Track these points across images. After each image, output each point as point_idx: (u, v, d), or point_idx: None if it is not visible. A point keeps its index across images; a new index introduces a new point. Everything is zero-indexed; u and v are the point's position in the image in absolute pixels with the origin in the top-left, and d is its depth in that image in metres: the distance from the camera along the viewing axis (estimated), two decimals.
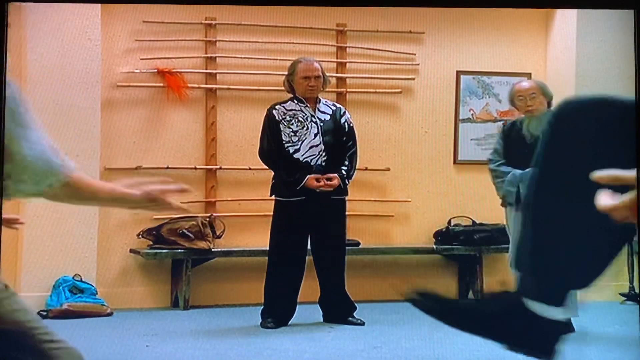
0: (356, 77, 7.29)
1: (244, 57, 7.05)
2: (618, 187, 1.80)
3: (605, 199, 1.81)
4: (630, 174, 1.77)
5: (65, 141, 6.25)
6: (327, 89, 6.18)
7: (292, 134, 5.84)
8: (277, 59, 6.95)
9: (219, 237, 6.77)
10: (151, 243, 6.66)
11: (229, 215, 6.94)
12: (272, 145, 5.87)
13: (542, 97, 5.62)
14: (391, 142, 7.00)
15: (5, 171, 2.06)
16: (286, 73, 5.99)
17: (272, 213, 5.94)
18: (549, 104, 5.65)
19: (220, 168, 6.99)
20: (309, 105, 5.91)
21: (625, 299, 6.88)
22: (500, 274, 7.36)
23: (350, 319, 5.91)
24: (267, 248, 5.94)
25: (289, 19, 7.09)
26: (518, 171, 5.58)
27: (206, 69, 6.99)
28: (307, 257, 5.89)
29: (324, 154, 5.85)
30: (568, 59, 7.26)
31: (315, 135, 5.85)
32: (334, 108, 6.02)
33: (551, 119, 2.56)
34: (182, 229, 6.57)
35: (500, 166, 5.68)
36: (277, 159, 5.87)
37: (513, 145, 5.66)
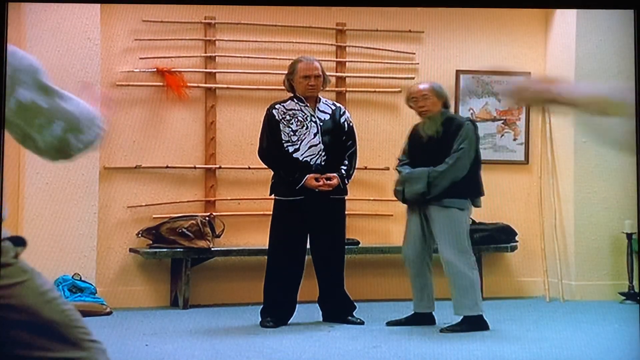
0: (356, 77, 7.28)
1: (244, 57, 7.04)
2: None
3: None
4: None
5: None
6: (326, 89, 6.18)
7: (292, 133, 5.84)
8: (276, 58, 6.95)
9: (218, 236, 6.77)
10: (151, 242, 6.66)
11: (229, 214, 6.94)
12: (271, 145, 5.86)
13: (434, 99, 5.79)
14: (391, 142, 6.99)
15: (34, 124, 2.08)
16: (286, 72, 5.99)
17: (271, 212, 5.94)
18: (445, 105, 5.75)
19: (220, 167, 6.99)
20: (308, 104, 5.90)
21: (624, 298, 6.89)
22: (501, 274, 7.37)
23: (349, 318, 5.91)
24: (267, 247, 5.94)
25: (288, 18, 7.09)
26: (406, 170, 5.69)
27: (205, 68, 6.99)
28: (306, 257, 5.89)
29: (323, 153, 5.85)
30: (567, 59, 7.26)
31: (315, 134, 5.85)
32: (333, 107, 6.02)
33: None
34: (181, 228, 6.57)
35: (402, 166, 5.91)
36: (276, 158, 5.87)
37: (414, 145, 5.88)
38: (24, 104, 2.07)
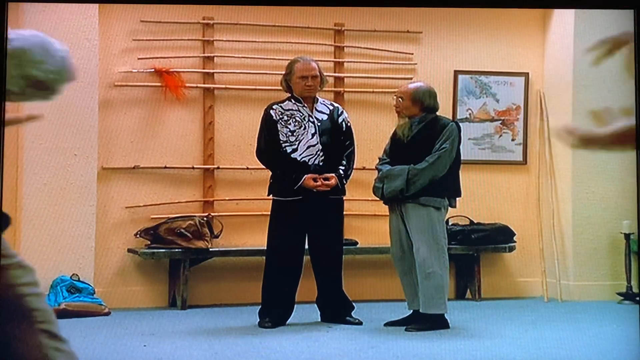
0: (354, 77, 7.29)
1: (242, 57, 7.04)
2: None
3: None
4: None
5: (63, 140, 6.25)
6: (324, 89, 6.18)
7: (290, 133, 5.84)
8: (274, 59, 6.95)
9: (216, 236, 6.76)
10: (149, 243, 6.66)
11: (227, 214, 6.94)
12: (269, 145, 5.86)
13: (408, 102, 5.84)
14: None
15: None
16: (284, 73, 5.99)
17: (269, 213, 5.94)
18: (427, 109, 5.77)
19: (218, 168, 6.98)
20: (306, 104, 5.90)
21: (622, 298, 6.89)
22: (499, 274, 7.37)
23: (347, 318, 5.91)
24: (265, 248, 5.94)
25: (286, 18, 7.09)
26: (386, 168, 5.82)
27: (204, 69, 6.98)
28: (304, 257, 5.89)
29: (321, 153, 5.85)
30: (566, 59, 7.26)
31: (313, 134, 5.85)
32: (331, 107, 6.02)
33: None
34: (179, 228, 6.57)
35: (381, 165, 5.95)
36: (274, 158, 5.87)
37: (395, 145, 5.93)
38: None
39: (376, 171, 6.01)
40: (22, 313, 2.07)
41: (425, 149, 5.74)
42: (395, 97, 5.94)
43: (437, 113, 5.90)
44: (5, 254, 2.10)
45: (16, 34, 2.07)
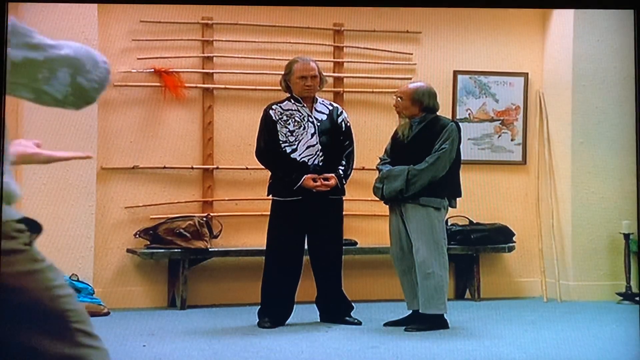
0: (353, 77, 7.29)
1: (241, 57, 7.04)
2: None
3: None
4: None
5: (62, 140, 6.24)
6: (324, 89, 6.18)
7: (289, 133, 5.84)
8: (274, 59, 6.94)
9: (216, 237, 6.76)
10: (148, 243, 6.66)
11: (226, 215, 6.94)
12: (269, 145, 5.86)
13: (407, 102, 5.85)
14: (388, 142, 7.00)
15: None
16: (283, 73, 5.99)
17: (269, 213, 5.94)
18: (427, 109, 5.78)
19: (217, 168, 6.98)
20: (305, 105, 5.90)
21: (622, 298, 6.89)
22: (498, 274, 7.37)
23: (347, 318, 5.91)
24: (264, 248, 5.94)
25: (286, 18, 7.09)
26: (386, 168, 5.77)
27: (203, 69, 6.98)
28: (304, 257, 5.89)
29: (321, 153, 5.85)
30: (565, 59, 7.26)
31: (312, 135, 5.85)
32: (331, 108, 6.02)
33: None
34: (179, 228, 6.57)
35: (381, 165, 5.95)
36: (274, 158, 5.87)
37: (395, 145, 5.94)
38: (17, 62, 2.07)
39: (376, 171, 6.01)
40: (58, 314, 2.13)
41: (425, 149, 5.75)
42: (395, 97, 5.94)
43: (437, 113, 5.90)
44: (39, 258, 2.16)
45: (65, 43, 2.14)
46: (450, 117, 6.82)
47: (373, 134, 7.06)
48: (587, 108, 7.17)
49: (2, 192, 2.11)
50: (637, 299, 6.69)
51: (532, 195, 7.47)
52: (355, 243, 6.93)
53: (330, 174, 5.82)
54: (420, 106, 5.83)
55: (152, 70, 6.79)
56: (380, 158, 6.03)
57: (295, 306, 5.88)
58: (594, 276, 7.11)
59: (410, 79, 7.08)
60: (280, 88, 6.02)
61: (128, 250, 6.70)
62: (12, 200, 2.13)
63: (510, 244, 7.18)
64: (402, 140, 5.86)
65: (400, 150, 5.86)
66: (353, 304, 5.99)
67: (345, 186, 5.93)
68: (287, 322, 5.85)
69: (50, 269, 2.16)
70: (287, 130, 5.84)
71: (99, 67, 2.16)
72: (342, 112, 6.05)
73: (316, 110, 5.93)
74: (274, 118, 5.88)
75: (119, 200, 6.73)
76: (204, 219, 6.72)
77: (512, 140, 7.51)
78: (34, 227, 2.17)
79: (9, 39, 2.09)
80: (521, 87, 7.50)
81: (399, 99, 5.87)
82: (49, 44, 2.11)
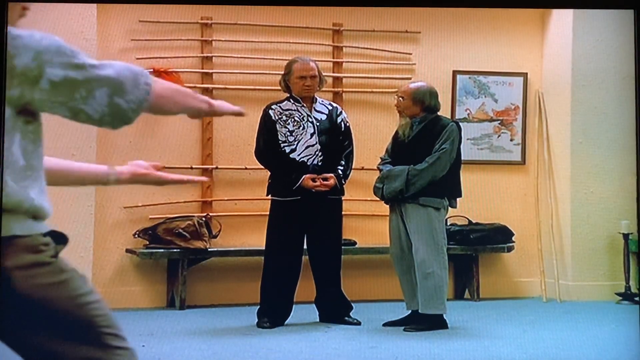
0: (352, 77, 7.28)
1: (240, 57, 7.04)
2: None
3: None
4: None
5: (61, 140, 6.24)
6: (323, 89, 6.18)
7: (289, 133, 5.84)
8: (273, 59, 6.94)
9: (215, 236, 6.76)
10: (147, 243, 6.65)
11: (225, 214, 6.93)
12: (268, 145, 5.86)
13: (409, 102, 5.85)
14: (388, 142, 7.00)
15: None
16: (282, 73, 5.98)
17: (268, 213, 5.93)
18: (428, 109, 5.77)
19: (217, 168, 6.98)
20: (305, 104, 5.90)
21: (621, 298, 6.89)
22: (497, 274, 7.37)
23: (346, 318, 5.91)
24: (264, 248, 5.94)
25: (285, 18, 7.09)
26: (387, 168, 5.80)
27: (202, 69, 6.98)
28: (303, 257, 5.88)
29: (320, 153, 5.85)
30: (564, 59, 7.26)
31: (312, 134, 5.85)
32: (330, 107, 6.02)
33: None
34: (178, 228, 6.56)
35: (383, 165, 5.95)
36: (273, 158, 5.87)
37: (396, 145, 5.94)
38: (57, 81, 2.10)
39: (375, 171, 6.02)
40: (87, 321, 2.16)
41: (426, 149, 5.75)
42: (396, 97, 5.93)
43: (438, 113, 5.90)
44: (65, 268, 2.17)
45: (109, 63, 2.17)
46: (449, 117, 6.83)
47: (372, 134, 7.06)
48: (586, 108, 7.17)
49: (2, 193, 2.12)
50: (636, 299, 6.69)
51: (531, 195, 7.47)
52: (355, 243, 6.93)
53: (330, 174, 5.82)
54: (421, 106, 5.83)
55: (152, 70, 6.78)
56: (381, 158, 6.03)
57: (294, 306, 5.88)
58: (593, 276, 7.11)
59: (410, 79, 7.08)
60: (279, 88, 6.02)
61: (127, 250, 6.70)
62: (41, 216, 2.15)
63: (510, 244, 7.18)
64: (402, 140, 5.86)
65: (400, 150, 5.87)
66: (352, 304, 5.99)
67: (344, 186, 5.93)
68: (286, 322, 5.85)
69: (76, 278, 2.19)
70: (287, 130, 5.83)
71: (139, 88, 2.18)
72: (341, 112, 6.05)
73: (315, 110, 5.93)
74: (273, 118, 5.87)
75: (118, 200, 6.72)
76: (203, 219, 6.72)
77: (511, 140, 7.51)
78: (60, 239, 2.19)
79: (42, 59, 2.10)
80: (520, 87, 7.50)
81: (400, 98, 5.87)
82: (91, 64, 2.15)
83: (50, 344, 2.12)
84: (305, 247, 5.89)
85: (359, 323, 5.88)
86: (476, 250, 7.09)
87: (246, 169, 6.92)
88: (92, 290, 2.21)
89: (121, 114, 2.18)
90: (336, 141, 5.92)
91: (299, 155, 5.82)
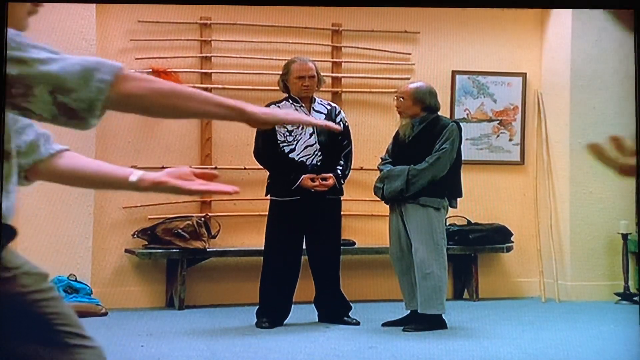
0: (351, 77, 7.28)
1: (239, 57, 7.04)
2: None
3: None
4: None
5: (60, 140, 6.22)
6: (322, 89, 6.18)
7: (287, 133, 5.84)
8: (272, 59, 6.94)
9: (214, 237, 6.76)
10: (146, 243, 6.65)
11: (224, 215, 6.93)
12: (267, 145, 5.86)
13: (409, 102, 5.84)
14: (387, 142, 6.98)
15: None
16: (281, 73, 5.98)
17: (267, 213, 5.93)
18: (428, 109, 5.78)
19: (216, 168, 6.97)
20: (303, 105, 5.90)
21: (620, 298, 6.89)
22: (496, 274, 7.37)
23: (345, 318, 5.91)
24: (263, 248, 5.94)
25: (284, 18, 7.09)
26: (387, 168, 5.82)
27: (201, 69, 6.98)
28: (302, 257, 5.89)
29: (319, 153, 5.85)
30: (563, 59, 7.26)
31: (311, 134, 5.85)
32: (329, 107, 6.02)
33: None
34: (177, 228, 6.56)
35: (384, 165, 5.94)
36: (272, 158, 5.87)
37: (397, 145, 5.94)
38: None
39: (374, 171, 6.02)
40: (40, 319, 2.08)
41: (426, 149, 5.75)
42: (396, 97, 5.93)
43: (438, 113, 5.90)
44: (10, 265, 2.07)
45: (61, 57, 1.93)
46: (448, 117, 6.83)
47: (371, 134, 7.06)
48: (585, 108, 7.18)
49: (1, 193, 2.09)
50: (635, 299, 6.69)
51: (530, 195, 7.47)
52: (354, 243, 6.93)
53: (329, 174, 5.82)
54: (422, 106, 5.83)
55: (150, 70, 6.78)
56: (381, 158, 6.03)
57: (293, 306, 5.88)
58: (592, 276, 7.11)
59: (409, 79, 7.08)
60: (278, 88, 6.02)
61: (126, 251, 6.70)
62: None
63: (509, 244, 7.18)
64: (403, 140, 5.87)
65: (401, 150, 5.87)
66: (351, 304, 5.99)
67: (343, 186, 5.93)
68: (285, 322, 5.85)
69: (24, 276, 2.08)
70: (286, 130, 5.83)
71: (89, 85, 1.94)
72: (340, 112, 6.05)
73: (314, 110, 5.93)
74: None
75: (117, 200, 6.72)
76: (202, 219, 6.72)
77: (510, 140, 7.51)
78: (6, 234, 2.06)
79: (9, 43, 1.97)
80: (519, 87, 7.50)
81: (400, 99, 5.87)
82: (37, 59, 1.92)
83: (6, 343, 2.05)
84: (304, 247, 5.89)
85: (358, 323, 5.88)
86: (475, 250, 7.09)
87: (245, 169, 6.92)
88: (45, 288, 2.11)
89: (73, 114, 1.98)
90: (335, 141, 5.92)
91: (298, 155, 5.82)
